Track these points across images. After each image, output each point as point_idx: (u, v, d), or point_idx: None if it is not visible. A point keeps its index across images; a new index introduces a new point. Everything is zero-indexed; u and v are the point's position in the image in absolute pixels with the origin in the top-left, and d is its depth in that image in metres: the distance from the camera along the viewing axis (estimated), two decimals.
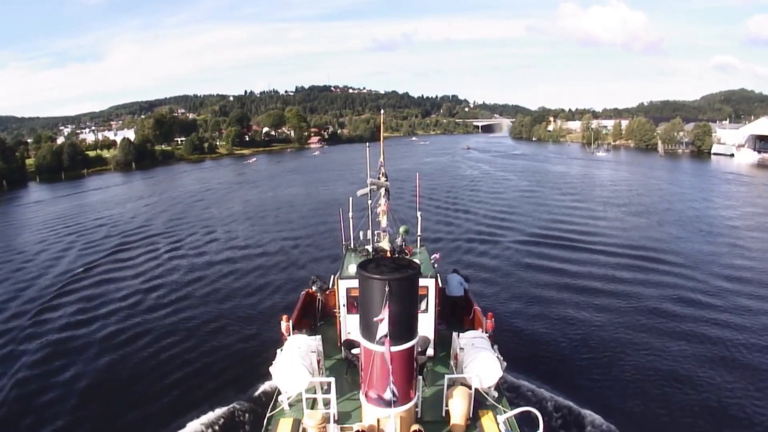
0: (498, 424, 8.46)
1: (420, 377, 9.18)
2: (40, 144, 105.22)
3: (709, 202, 45.37)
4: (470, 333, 10.73)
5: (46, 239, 36.90)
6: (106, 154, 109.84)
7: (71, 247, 33.74)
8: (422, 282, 10.34)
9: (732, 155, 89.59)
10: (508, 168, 75.91)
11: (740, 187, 55.29)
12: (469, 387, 9.02)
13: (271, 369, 9.71)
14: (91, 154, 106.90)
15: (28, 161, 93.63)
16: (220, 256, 29.60)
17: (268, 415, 9.58)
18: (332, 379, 9.06)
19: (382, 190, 13.06)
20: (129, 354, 17.17)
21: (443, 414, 9.07)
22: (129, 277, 26.05)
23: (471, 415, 8.75)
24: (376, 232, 12.98)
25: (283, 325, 11.55)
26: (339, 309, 11.57)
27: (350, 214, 13.73)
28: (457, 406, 8.66)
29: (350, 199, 13.52)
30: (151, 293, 23.26)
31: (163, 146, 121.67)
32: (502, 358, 9.89)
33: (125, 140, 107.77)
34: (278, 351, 10.46)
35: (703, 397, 13.87)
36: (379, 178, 13.38)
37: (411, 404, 8.28)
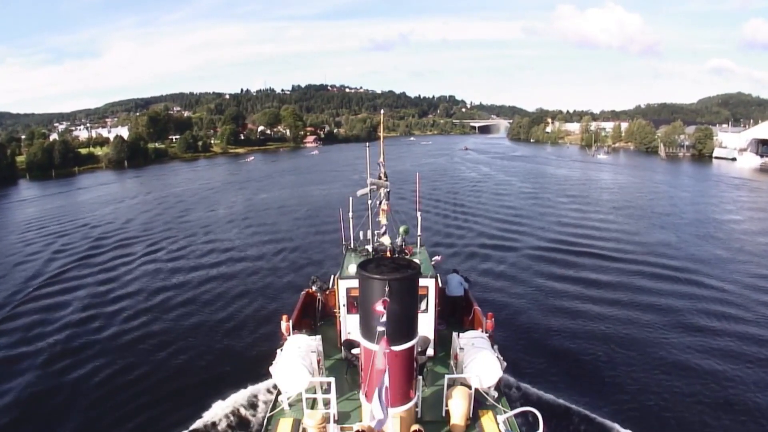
0: (498, 424, 8.48)
1: (420, 377, 9.18)
2: (33, 141, 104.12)
3: (717, 206, 44.68)
4: (470, 333, 10.76)
5: (27, 239, 36.01)
6: (98, 151, 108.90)
7: (56, 248, 32.85)
8: (422, 282, 10.35)
9: (734, 159, 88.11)
10: (508, 170, 75.85)
11: (750, 193, 54.20)
12: (469, 387, 9.03)
13: (271, 369, 9.70)
14: (84, 151, 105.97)
15: (20, 158, 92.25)
16: (218, 257, 29.30)
17: (268, 415, 9.59)
18: (332, 379, 9.05)
19: (382, 190, 13.06)
20: (128, 355, 17.01)
21: (443, 414, 9.07)
22: (120, 279, 25.65)
23: (471, 415, 8.77)
24: (376, 232, 12.97)
25: (283, 325, 11.51)
26: (339, 309, 11.55)
27: (350, 214, 13.72)
28: (457, 406, 8.66)
29: (350, 199, 13.52)
30: (147, 295, 23.02)
31: (156, 144, 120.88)
32: (502, 358, 9.90)
33: (118, 138, 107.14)
34: (278, 351, 10.44)
35: (702, 399, 13.91)
36: (379, 178, 13.36)
37: (411, 404, 8.28)
